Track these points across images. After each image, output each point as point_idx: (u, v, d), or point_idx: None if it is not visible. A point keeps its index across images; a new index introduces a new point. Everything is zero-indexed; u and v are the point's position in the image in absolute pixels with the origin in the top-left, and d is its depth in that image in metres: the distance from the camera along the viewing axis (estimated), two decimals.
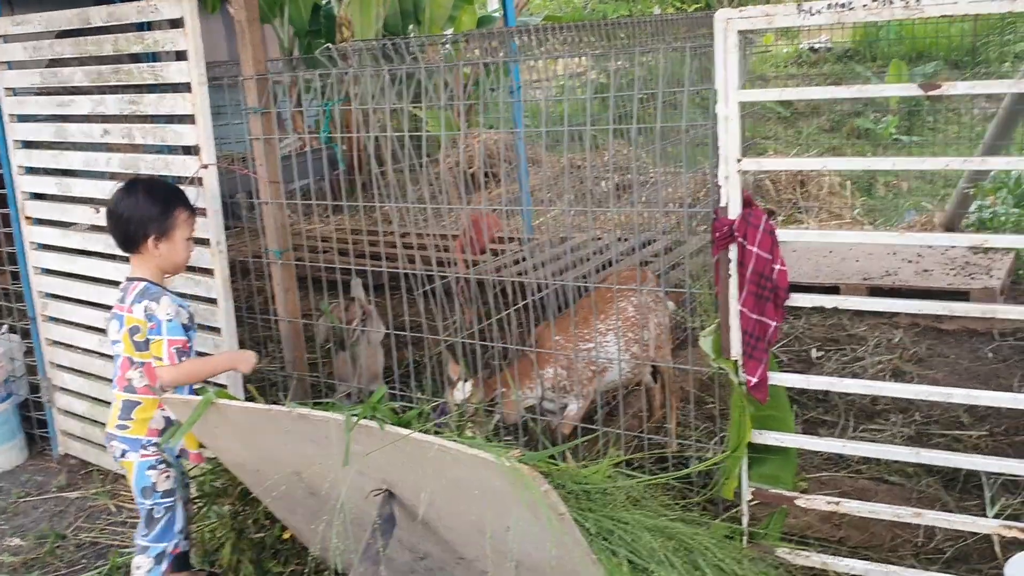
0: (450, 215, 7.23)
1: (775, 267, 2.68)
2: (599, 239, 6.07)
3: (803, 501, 2.86)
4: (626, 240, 6.09)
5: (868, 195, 8.77)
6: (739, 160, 2.68)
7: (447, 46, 5.13)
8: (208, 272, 3.64)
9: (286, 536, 3.49)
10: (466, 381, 3.48)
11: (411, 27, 11.56)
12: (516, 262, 6.08)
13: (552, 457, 2.81)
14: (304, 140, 9.65)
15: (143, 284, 3.03)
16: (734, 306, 2.77)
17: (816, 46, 15.15)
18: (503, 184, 7.19)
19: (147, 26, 4.25)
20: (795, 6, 2.55)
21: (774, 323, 2.74)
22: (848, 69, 13.89)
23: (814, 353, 5.13)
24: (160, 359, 2.97)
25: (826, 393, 4.55)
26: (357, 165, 9.48)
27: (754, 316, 2.73)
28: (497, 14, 16.55)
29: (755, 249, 2.68)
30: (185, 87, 3.61)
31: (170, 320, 2.99)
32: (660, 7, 17.56)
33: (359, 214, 5.95)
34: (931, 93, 2.36)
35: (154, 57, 6.36)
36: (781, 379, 2.88)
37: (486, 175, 8.00)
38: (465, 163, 7.87)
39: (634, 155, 3.64)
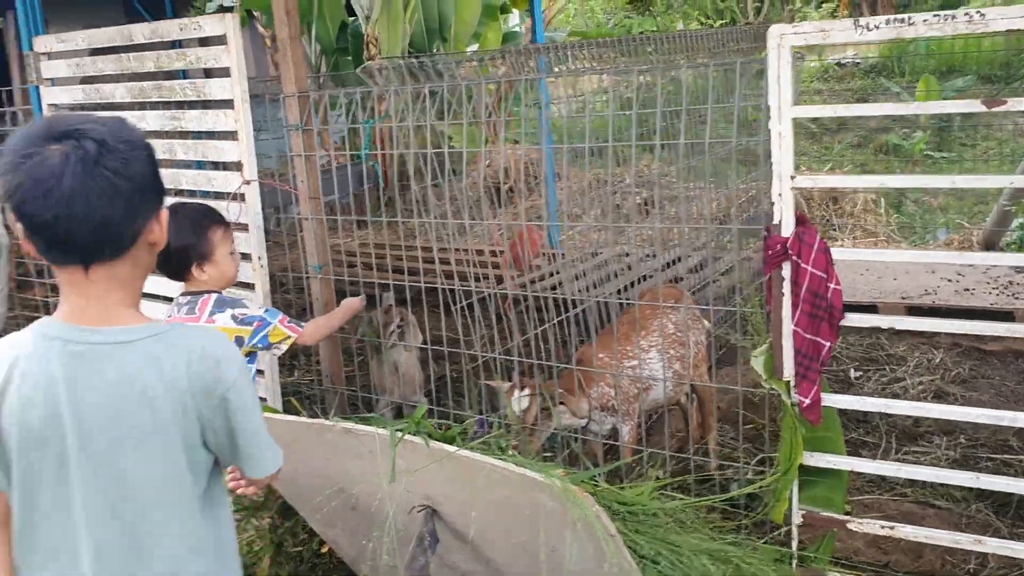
0: (478, 229, 7.22)
1: (830, 286, 2.64)
2: (627, 255, 6.04)
3: (855, 525, 2.80)
4: (654, 256, 6.06)
5: (898, 212, 8.68)
6: (793, 177, 2.65)
7: (475, 63, 5.15)
8: (250, 287, 3.64)
9: (324, 550, 3.48)
10: (523, 391, 3.44)
11: (437, 44, 11.60)
12: (542, 277, 6.06)
13: (592, 478, 2.78)
14: (333, 156, 9.69)
15: (214, 295, 3.04)
16: (787, 326, 2.72)
17: (843, 61, 15.08)
18: (531, 197, 7.18)
19: (179, 43, 4.28)
20: (851, 22, 2.51)
21: (828, 343, 2.69)
22: (877, 84, 13.82)
23: (852, 373, 5.06)
24: (288, 336, 3.17)
25: (866, 414, 4.48)
26: (386, 180, 9.53)
27: (808, 336, 2.69)
28: (518, 28, 16.62)
29: (810, 268, 2.64)
30: (227, 103, 3.62)
31: (265, 309, 3.20)
32: (684, 22, 17.57)
33: (386, 228, 5.95)
34: (995, 109, 2.32)
35: (184, 74, 6.43)
36: (834, 400, 2.83)
37: (512, 190, 8.00)
38: (494, 177, 7.88)
39: (680, 169, 3.59)
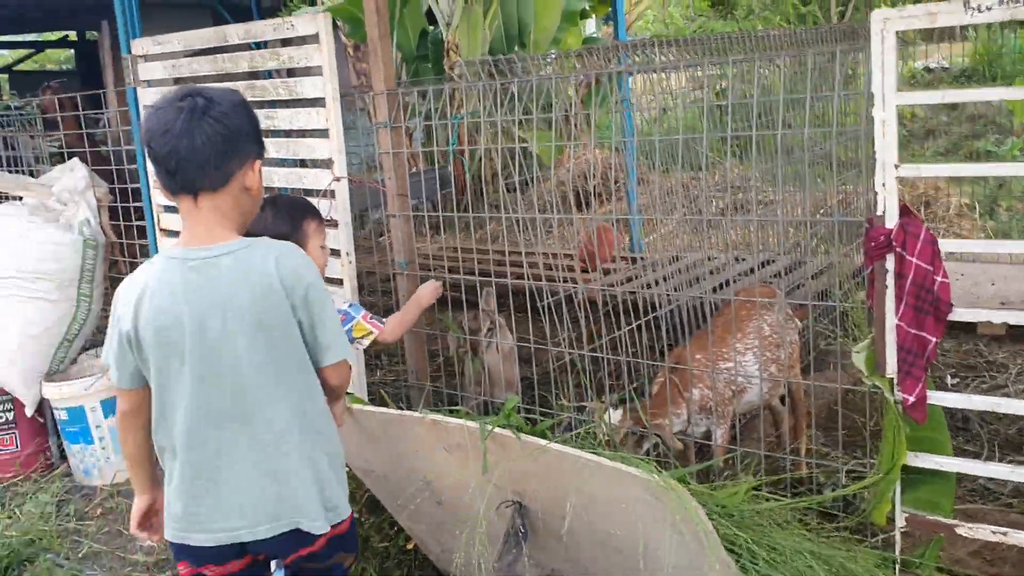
0: (560, 231, 7.19)
1: (936, 279, 2.54)
2: (714, 259, 5.94)
3: (964, 529, 2.67)
4: (743, 260, 5.95)
5: (991, 218, 8.38)
6: (897, 166, 2.56)
7: (557, 61, 5.12)
8: (338, 282, 3.67)
9: (409, 546, 3.48)
10: (616, 407, 3.39)
11: (516, 50, 11.64)
12: (629, 279, 5.99)
13: (682, 478, 2.71)
14: (415, 159, 9.80)
15: None
16: (890, 320, 2.63)
17: (931, 66, 14.65)
18: (614, 199, 7.10)
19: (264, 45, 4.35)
20: (961, 3, 2.41)
21: (934, 339, 2.59)
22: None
23: (949, 380, 4.88)
24: (371, 332, 3.24)
25: (967, 420, 4.32)
26: (465, 182, 9.57)
27: (912, 331, 2.59)
28: (596, 34, 16.57)
29: (915, 260, 2.54)
30: (319, 102, 3.67)
31: (349, 303, 3.28)
32: (765, 27, 17.29)
33: (473, 230, 5.97)
34: None
35: (270, 74, 6.55)
36: (940, 398, 2.72)
37: (594, 192, 7.95)
38: (578, 180, 7.84)
39: (774, 168, 3.50)
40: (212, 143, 2.07)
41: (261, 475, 2.17)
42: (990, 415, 4.30)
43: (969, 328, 5.43)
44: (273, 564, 2.29)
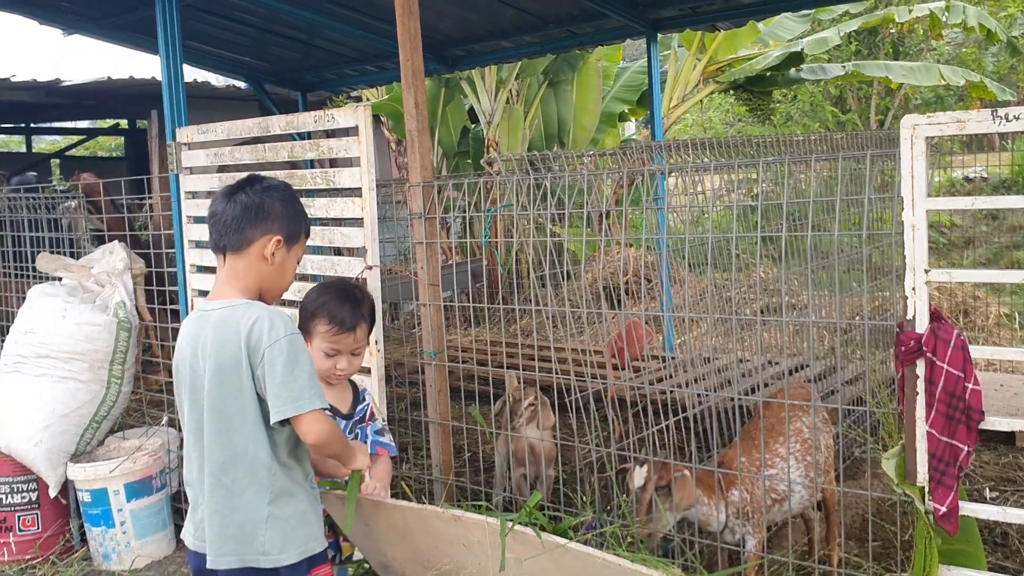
0: (592, 327, 7.18)
1: (968, 386, 2.49)
2: (746, 361, 5.87)
3: None
4: (776, 363, 5.88)
5: None
6: (927, 271, 2.54)
7: (592, 157, 5.18)
8: (366, 371, 3.68)
9: None
10: (642, 465, 3.32)
11: (555, 148, 11.86)
12: (659, 379, 5.94)
13: None
14: (449, 251, 9.92)
15: None
16: (921, 427, 2.57)
17: (971, 176, 14.67)
18: (648, 299, 7.10)
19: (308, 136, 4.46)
20: (989, 112, 2.43)
21: (966, 447, 2.52)
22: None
23: (988, 493, 4.73)
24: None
25: (1006, 536, 4.17)
26: (498, 277, 9.65)
27: (944, 438, 2.53)
28: (635, 136, 16.83)
29: (945, 366, 2.49)
30: (355, 191, 3.74)
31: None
32: (802, 131, 17.46)
33: (503, 325, 5.98)
34: None
35: (312, 164, 6.70)
36: (973, 509, 2.63)
37: (626, 289, 7.95)
38: (611, 277, 7.87)
39: (811, 266, 3.48)
40: (242, 211, 2.51)
41: (211, 509, 2.49)
42: None
43: (1008, 439, 5.29)
44: None
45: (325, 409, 2.48)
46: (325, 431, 2.45)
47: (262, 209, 2.52)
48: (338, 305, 2.93)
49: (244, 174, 4.04)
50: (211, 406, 2.44)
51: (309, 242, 3.96)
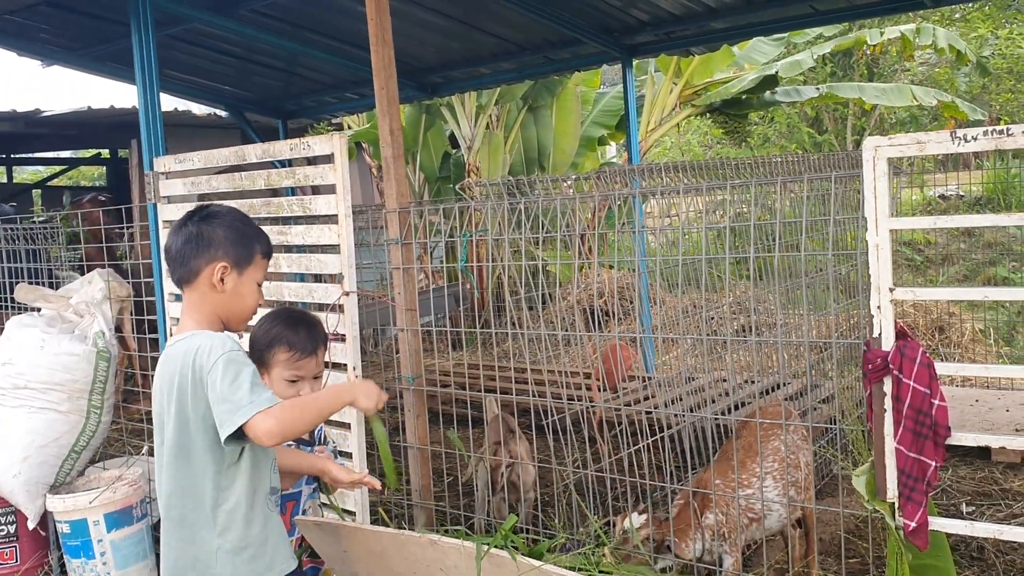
0: (570, 349, 7.21)
1: (934, 402, 2.53)
2: (724, 380, 5.92)
3: None
4: (753, 382, 5.93)
5: (1009, 344, 8.33)
6: (892, 289, 2.59)
7: (570, 181, 5.24)
8: None
9: None
10: (641, 513, 3.34)
11: (535, 173, 11.94)
12: (638, 400, 5.97)
13: None
14: (429, 275, 9.95)
15: None
16: (889, 443, 2.61)
17: (946, 194, 14.83)
18: (626, 321, 7.14)
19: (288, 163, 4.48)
20: (948, 133, 2.49)
21: (934, 463, 2.56)
22: None
23: (964, 508, 4.78)
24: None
25: (982, 550, 4.21)
26: (482, 301, 9.68)
27: (912, 455, 2.57)
28: (616, 159, 16.95)
29: (912, 383, 2.54)
30: (332, 218, 3.77)
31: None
32: (779, 152, 17.64)
33: (480, 349, 6.00)
34: None
35: (292, 191, 6.72)
36: (942, 524, 2.67)
37: (605, 313, 8.00)
38: (589, 300, 7.90)
39: (777, 286, 3.53)
40: (184, 243, 2.53)
41: (165, 541, 2.54)
42: (1007, 545, 4.19)
43: (984, 454, 5.35)
44: None
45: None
46: (277, 425, 2.25)
47: (202, 238, 2.51)
48: (293, 332, 2.90)
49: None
50: (166, 439, 2.44)
51: (286, 268, 4.03)
